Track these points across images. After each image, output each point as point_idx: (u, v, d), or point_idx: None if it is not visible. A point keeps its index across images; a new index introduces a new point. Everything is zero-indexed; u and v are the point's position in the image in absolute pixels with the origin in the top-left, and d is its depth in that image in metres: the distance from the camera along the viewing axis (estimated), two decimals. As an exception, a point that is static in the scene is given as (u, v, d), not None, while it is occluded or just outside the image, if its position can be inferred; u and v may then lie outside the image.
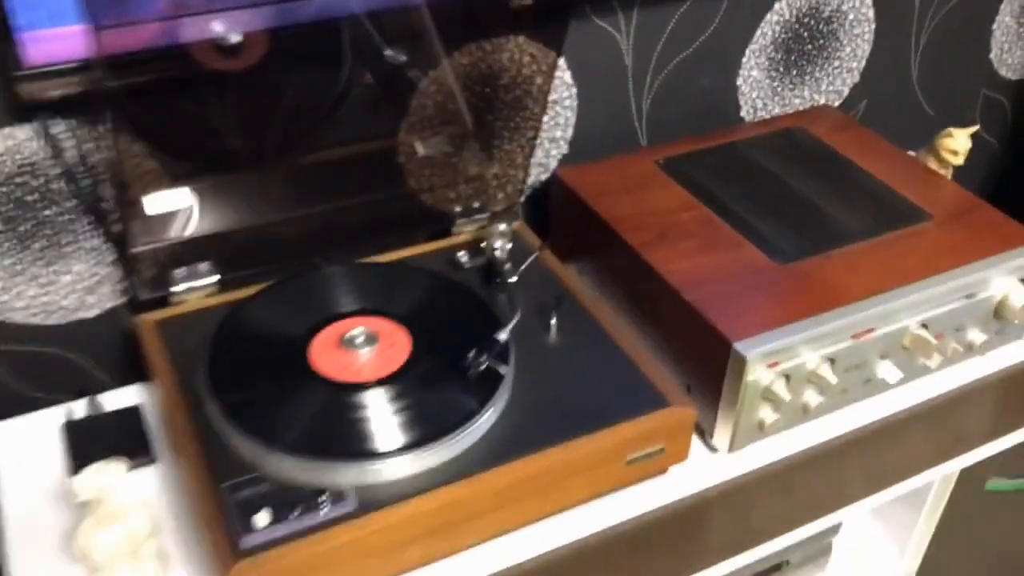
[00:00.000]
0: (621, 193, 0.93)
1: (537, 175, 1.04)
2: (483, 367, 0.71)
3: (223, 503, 0.65)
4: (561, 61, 0.97)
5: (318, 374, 0.73)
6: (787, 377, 0.78)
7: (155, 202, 0.82)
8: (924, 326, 0.83)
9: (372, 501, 0.66)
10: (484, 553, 0.72)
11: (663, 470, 0.79)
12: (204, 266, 0.83)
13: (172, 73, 0.80)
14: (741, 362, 0.74)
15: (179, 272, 0.82)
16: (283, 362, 0.73)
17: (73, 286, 0.85)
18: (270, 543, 0.63)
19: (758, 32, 1.08)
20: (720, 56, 1.07)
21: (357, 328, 0.75)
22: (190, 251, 0.84)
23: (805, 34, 1.11)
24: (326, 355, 0.74)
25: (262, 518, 0.63)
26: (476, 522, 0.69)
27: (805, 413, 0.81)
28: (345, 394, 0.71)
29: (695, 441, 0.83)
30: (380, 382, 0.72)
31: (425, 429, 0.69)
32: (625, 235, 0.87)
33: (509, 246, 0.84)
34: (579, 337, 0.80)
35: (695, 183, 0.95)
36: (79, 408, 0.83)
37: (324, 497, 0.65)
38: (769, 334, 0.76)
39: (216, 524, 0.64)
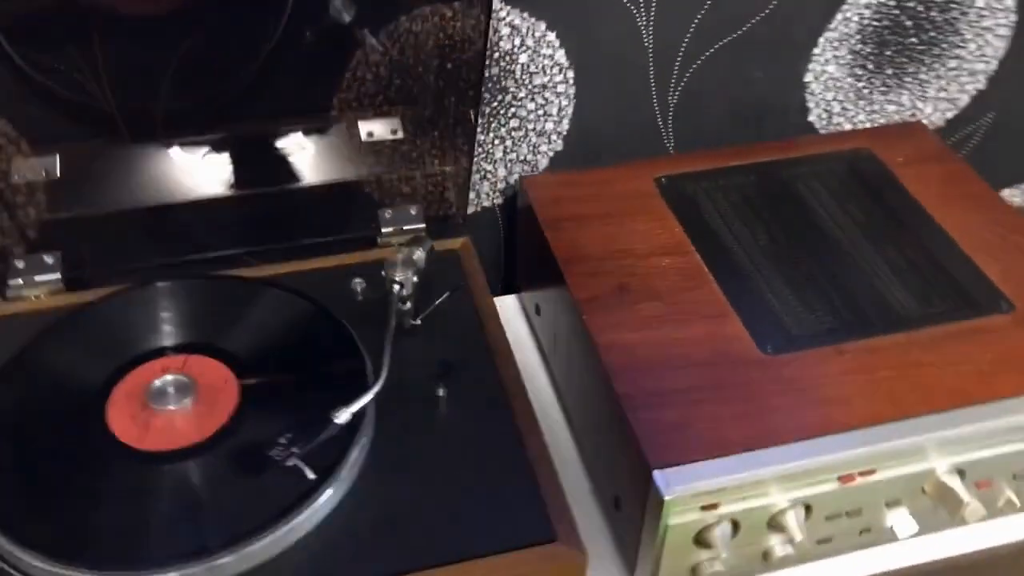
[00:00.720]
0: (593, 220, 0.71)
1: (521, 172, 0.83)
2: (289, 463, 0.53)
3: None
4: (552, 35, 0.76)
5: (109, 436, 0.57)
6: (735, 524, 0.56)
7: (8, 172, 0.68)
8: (959, 472, 0.59)
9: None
10: None
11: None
12: (49, 258, 0.68)
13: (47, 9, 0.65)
14: (659, 501, 0.54)
15: (18, 262, 0.68)
16: (67, 417, 0.58)
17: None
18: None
19: (839, 16, 0.82)
20: (782, 44, 0.82)
21: (167, 376, 0.59)
22: (40, 237, 0.69)
23: (908, 23, 0.84)
24: (129, 409, 0.58)
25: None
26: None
27: (766, 561, 0.59)
28: (138, 476, 0.55)
29: (618, 570, 0.63)
30: (160, 458, 0.56)
31: (204, 535, 0.52)
32: (571, 281, 0.66)
33: (414, 279, 0.65)
34: (473, 420, 0.61)
35: (697, 216, 0.72)
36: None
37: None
38: (712, 464, 0.55)
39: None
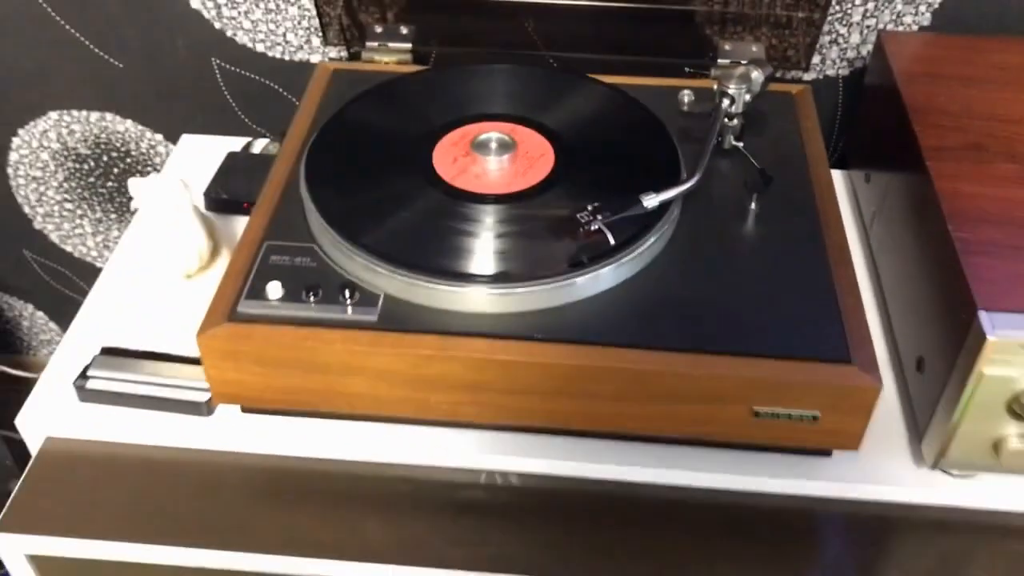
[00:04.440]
0: (955, 81, 0.65)
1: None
2: (594, 227, 0.53)
3: (255, 259, 0.56)
4: None
5: (430, 170, 0.60)
6: (1060, 394, 0.49)
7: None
8: None
9: (410, 321, 0.53)
10: (516, 443, 0.56)
11: (823, 450, 0.56)
12: (404, 29, 0.72)
13: None
14: (979, 340, 0.48)
15: (377, 27, 0.73)
16: (401, 151, 0.61)
17: (298, 21, 0.80)
18: (265, 318, 0.53)
19: None
20: None
21: (492, 132, 0.61)
22: (400, 11, 0.74)
23: None
24: (453, 153, 0.61)
25: (274, 289, 0.54)
26: (523, 399, 0.53)
27: (1086, 464, 0.52)
28: (438, 199, 0.58)
29: (902, 439, 0.58)
30: (481, 198, 0.58)
31: (513, 266, 0.54)
32: (919, 129, 0.60)
33: (747, 97, 0.62)
34: (781, 239, 0.58)
35: (1082, 98, 0.64)
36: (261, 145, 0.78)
37: (350, 295, 0.53)
38: (1052, 319, 0.48)
39: (233, 278, 0.55)
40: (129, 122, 0.89)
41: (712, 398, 0.52)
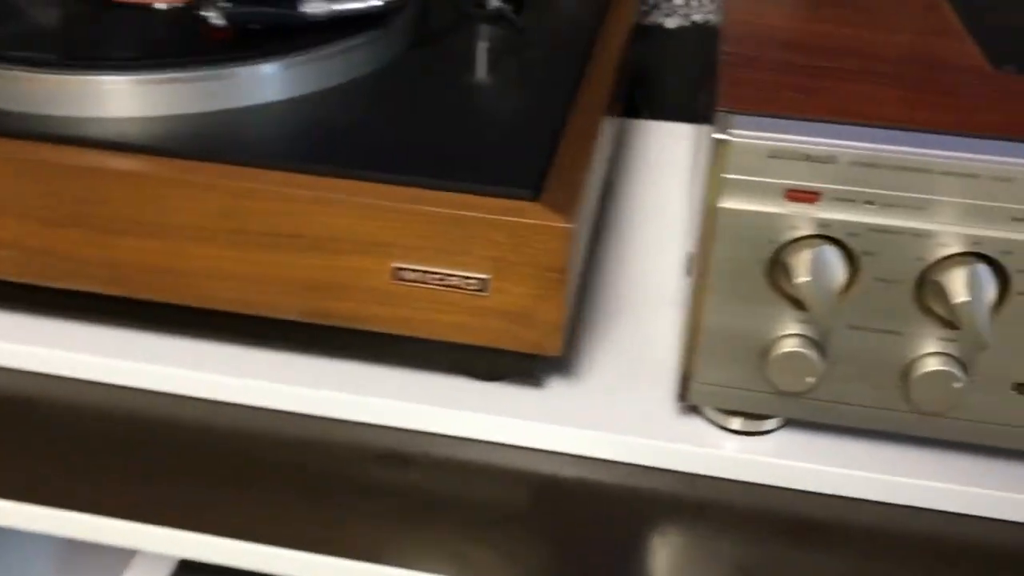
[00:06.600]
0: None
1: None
2: (214, 19, 0.37)
3: None
4: None
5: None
6: (848, 253, 0.31)
7: None
8: None
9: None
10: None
11: (520, 360, 0.36)
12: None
13: None
14: (716, 145, 0.31)
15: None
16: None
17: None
18: None
19: None
20: None
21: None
22: None
23: None
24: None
25: None
26: (68, 239, 0.36)
27: (904, 383, 0.33)
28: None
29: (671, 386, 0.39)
30: None
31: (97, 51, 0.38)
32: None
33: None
34: (523, 86, 0.41)
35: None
36: None
37: None
38: (827, 127, 0.31)
39: None
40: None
41: (335, 243, 0.34)
